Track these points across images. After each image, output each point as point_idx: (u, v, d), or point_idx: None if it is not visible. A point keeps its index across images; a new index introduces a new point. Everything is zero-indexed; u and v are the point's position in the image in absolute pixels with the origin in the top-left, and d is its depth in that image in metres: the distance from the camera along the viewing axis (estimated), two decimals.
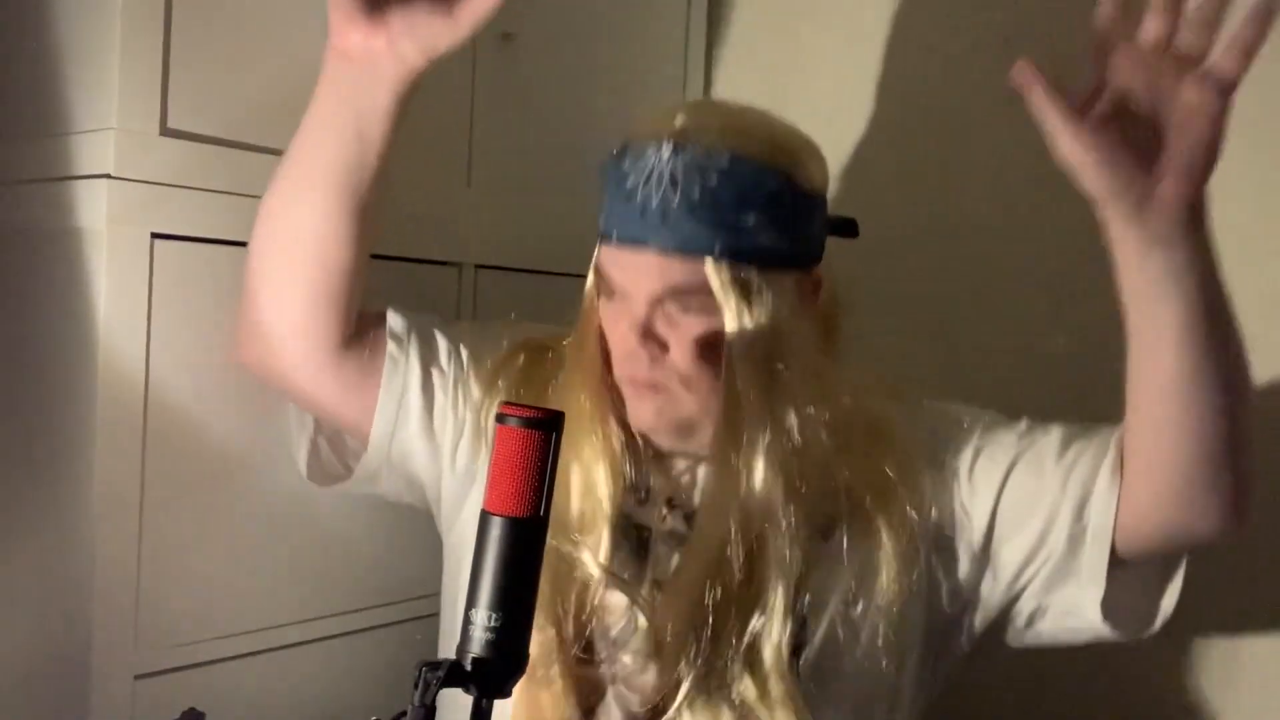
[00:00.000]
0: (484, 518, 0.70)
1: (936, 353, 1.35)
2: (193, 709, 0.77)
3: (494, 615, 0.68)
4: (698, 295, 0.87)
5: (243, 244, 1.00)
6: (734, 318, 0.87)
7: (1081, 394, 1.23)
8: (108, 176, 0.93)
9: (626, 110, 1.42)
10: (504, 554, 0.69)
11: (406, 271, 1.14)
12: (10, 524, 1.01)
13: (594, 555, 0.89)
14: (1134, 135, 0.75)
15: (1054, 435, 0.93)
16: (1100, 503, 0.88)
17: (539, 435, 0.69)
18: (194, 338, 0.99)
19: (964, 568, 0.93)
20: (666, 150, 0.87)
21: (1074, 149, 0.74)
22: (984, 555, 0.93)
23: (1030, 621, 0.95)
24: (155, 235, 0.95)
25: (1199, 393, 0.80)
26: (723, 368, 0.88)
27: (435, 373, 0.99)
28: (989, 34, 1.35)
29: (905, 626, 0.91)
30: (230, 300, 1.01)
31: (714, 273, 0.86)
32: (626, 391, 0.91)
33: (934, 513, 0.92)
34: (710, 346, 0.88)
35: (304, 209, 0.91)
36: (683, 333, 0.88)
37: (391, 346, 0.98)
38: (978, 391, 1.04)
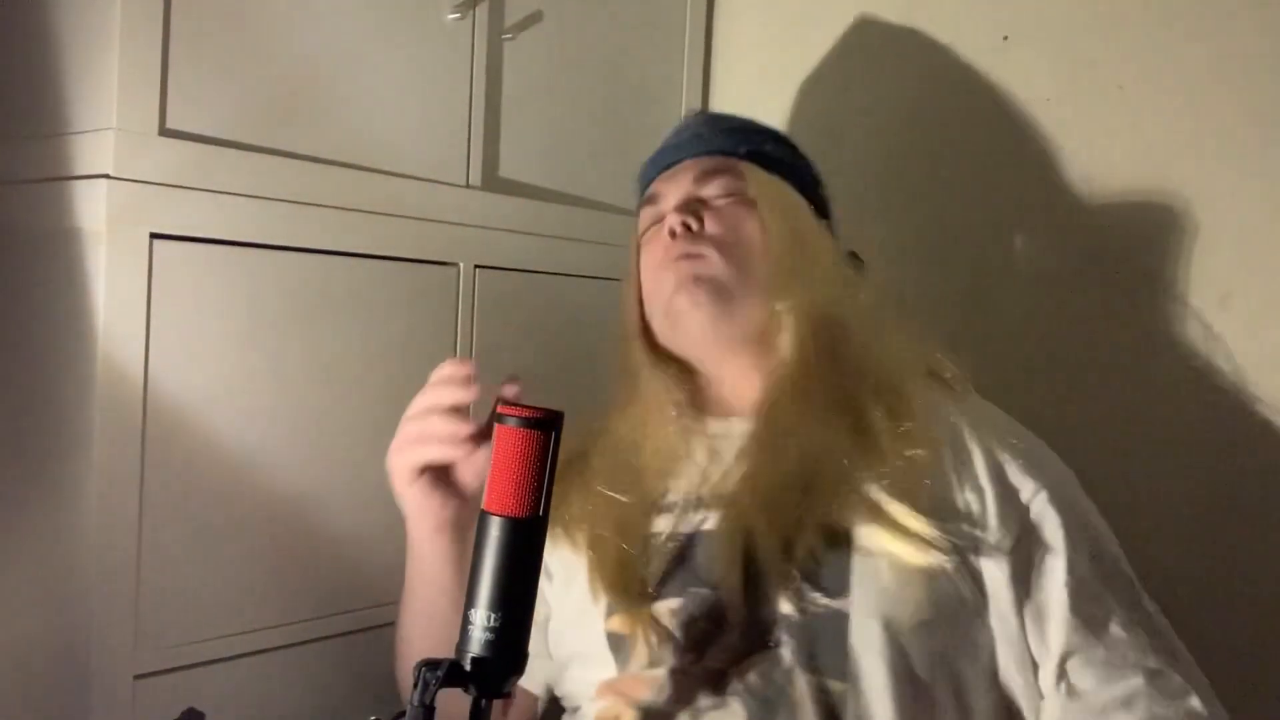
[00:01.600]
0: (483, 518, 0.70)
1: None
2: (192, 709, 0.77)
3: (493, 615, 0.68)
4: (728, 177, 1.00)
5: (242, 244, 1.01)
6: (765, 195, 0.99)
7: (1069, 397, 1.23)
8: (107, 176, 0.93)
9: (625, 111, 1.42)
10: (503, 554, 0.69)
11: (406, 271, 1.14)
12: (10, 524, 1.01)
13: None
14: None
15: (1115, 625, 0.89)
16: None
17: (538, 435, 0.69)
18: (193, 338, 0.99)
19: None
20: (696, 113, 1.16)
21: None
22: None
23: None
24: (154, 235, 0.95)
25: None
26: (759, 227, 0.98)
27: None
28: (987, 37, 1.34)
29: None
30: (229, 300, 1.01)
31: (745, 167, 1.01)
32: (668, 286, 0.98)
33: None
34: (743, 222, 0.99)
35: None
36: (717, 208, 1.00)
37: None
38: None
